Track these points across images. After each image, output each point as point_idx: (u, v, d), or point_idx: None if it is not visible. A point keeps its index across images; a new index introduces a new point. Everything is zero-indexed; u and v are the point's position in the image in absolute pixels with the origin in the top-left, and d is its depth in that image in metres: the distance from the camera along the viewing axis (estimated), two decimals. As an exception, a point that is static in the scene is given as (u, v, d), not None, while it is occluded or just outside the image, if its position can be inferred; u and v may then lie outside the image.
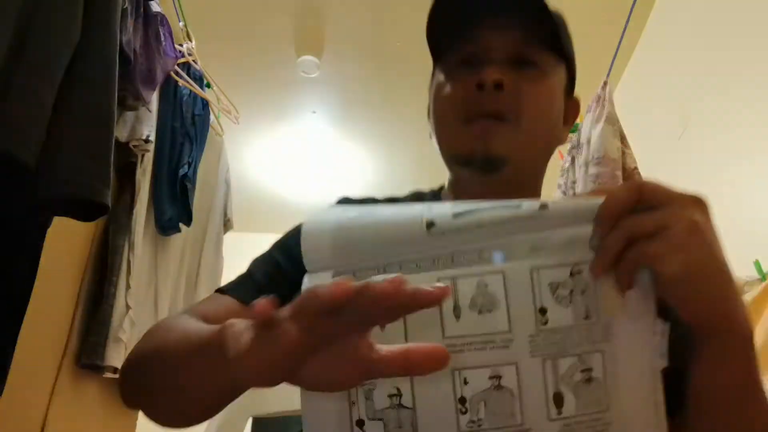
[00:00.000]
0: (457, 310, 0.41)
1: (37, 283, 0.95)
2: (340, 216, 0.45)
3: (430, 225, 0.42)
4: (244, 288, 0.58)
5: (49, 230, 0.98)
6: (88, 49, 0.93)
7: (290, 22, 2.37)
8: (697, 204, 0.40)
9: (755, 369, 0.43)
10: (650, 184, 0.40)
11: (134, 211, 1.57)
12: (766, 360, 1.08)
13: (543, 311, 0.41)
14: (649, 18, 2.15)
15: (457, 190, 0.66)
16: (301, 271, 0.57)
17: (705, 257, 0.39)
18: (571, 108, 0.67)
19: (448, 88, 0.62)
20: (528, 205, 0.43)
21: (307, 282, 0.44)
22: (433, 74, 0.66)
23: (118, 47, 1.03)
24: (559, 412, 0.40)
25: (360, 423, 0.40)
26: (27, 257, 0.94)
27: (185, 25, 1.91)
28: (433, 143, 0.66)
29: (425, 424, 0.40)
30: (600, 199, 0.41)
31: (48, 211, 0.95)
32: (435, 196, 0.69)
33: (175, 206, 1.83)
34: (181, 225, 1.89)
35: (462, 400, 0.40)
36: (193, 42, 1.92)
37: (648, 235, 0.39)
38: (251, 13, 2.28)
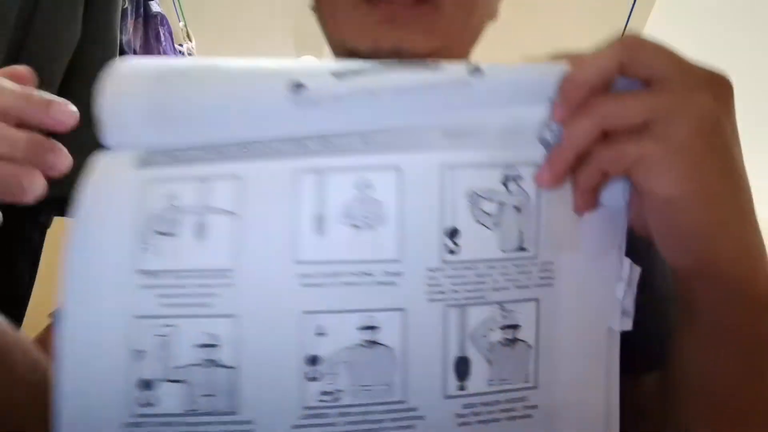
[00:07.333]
0: (320, 221, 0.27)
1: (37, 283, 0.95)
2: (162, 65, 0.30)
3: (298, 87, 0.28)
4: None
5: (49, 230, 0.98)
6: (88, 49, 0.93)
7: (290, 22, 2.37)
8: (715, 84, 0.26)
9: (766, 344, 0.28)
10: (643, 43, 0.26)
11: (134, 211, 1.58)
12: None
13: (453, 233, 0.27)
14: (649, 18, 2.15)
15: None
16: None
17: (717, 170, 0.25)
18: None
19: None
20: (452, 68, 0.28)
21: (100, 164, 0.31)
22: None
23: (118, 47, 1.03)
24: (461, 387, 0.27)
25: (146, 384, 0.26)
26: (27, 257, 0.94)
27: (185, 25, 1.91)
28: (316, 21, 0.47)
29: (253, 394, 0.26)
30: (563, 66, 0.27)
31: (48, 211, 0.95)
32: None
33: (175, 206, 1.83)
34: (181, 225, 1.89)
35: (313, 360, 0.26)
36: (193, 42, 1.93)
37: (634, 128, 0.25)
38: (251, 13, 2.29)
